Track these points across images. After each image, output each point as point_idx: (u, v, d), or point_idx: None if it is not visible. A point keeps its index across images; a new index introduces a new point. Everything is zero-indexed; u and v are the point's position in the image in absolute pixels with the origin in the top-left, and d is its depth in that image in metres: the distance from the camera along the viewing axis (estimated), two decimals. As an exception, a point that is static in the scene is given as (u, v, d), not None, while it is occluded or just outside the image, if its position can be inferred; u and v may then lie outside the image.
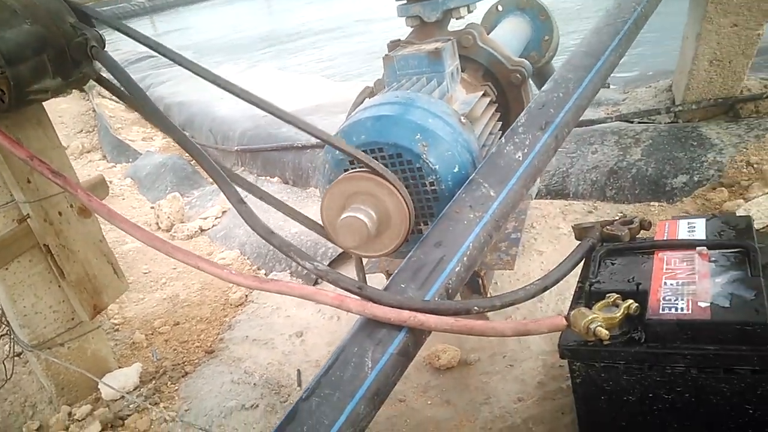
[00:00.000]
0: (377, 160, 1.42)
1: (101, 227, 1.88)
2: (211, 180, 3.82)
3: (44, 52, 1.41)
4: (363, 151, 1.43)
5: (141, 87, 1.41)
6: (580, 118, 2.94)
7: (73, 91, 8.60)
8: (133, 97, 1.42)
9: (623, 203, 2.45)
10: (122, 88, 1.47)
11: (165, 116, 1.41)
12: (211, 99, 5.27)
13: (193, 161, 4.22)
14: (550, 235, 2.31)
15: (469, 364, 1.75)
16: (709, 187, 2.33)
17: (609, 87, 3.77)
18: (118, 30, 1.48)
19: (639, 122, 2.87)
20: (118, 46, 10.00)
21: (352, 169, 1.46)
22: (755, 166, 2.30)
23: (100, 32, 1.50)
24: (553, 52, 2.62)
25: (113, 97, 6.70)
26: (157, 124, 1.42)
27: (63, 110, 7.21)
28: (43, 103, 1.66)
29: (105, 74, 1.53)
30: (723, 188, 2.29)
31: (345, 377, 1.07)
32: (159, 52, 1.42)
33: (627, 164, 2.54)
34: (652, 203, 2.38)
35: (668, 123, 2.79)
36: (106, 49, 1.48)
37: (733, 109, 2.66)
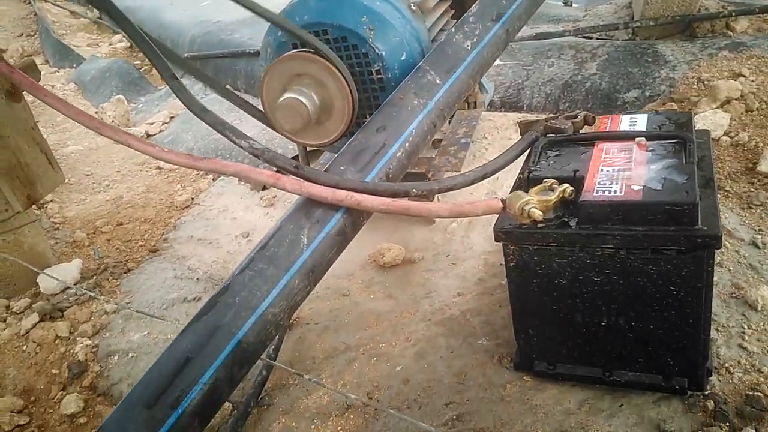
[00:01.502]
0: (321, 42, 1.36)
1: (33, 116, 1.78)
2: (159, 87, 3.67)
3: None
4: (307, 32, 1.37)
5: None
6: (539, 31, 2.91)
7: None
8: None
9: (575, 116, 2.45)
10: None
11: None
12: (160, 4, 4.99)
13: (143, 67, 4.04)
14: (502, 146, 2.31)
15: (412, 263, 1.77)
16: (660, 102, 2.35)
17: (571, 5, 3.71)
18: None
19: (597, 38, 2.84)
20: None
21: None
22: (706, 82, 2.32)
23: None
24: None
25: (56, 2, 6.25)
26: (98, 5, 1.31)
27: (2, 12, 6.73)
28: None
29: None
30: (673, 103, 2.31)
31: (280, 253, 1.06)
32: None
33: (582, 78, 2.53)
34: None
35: (626, 40, 2.77)
36: None
37: (689, 27, 2.65)
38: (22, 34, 6.08)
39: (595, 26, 2.83)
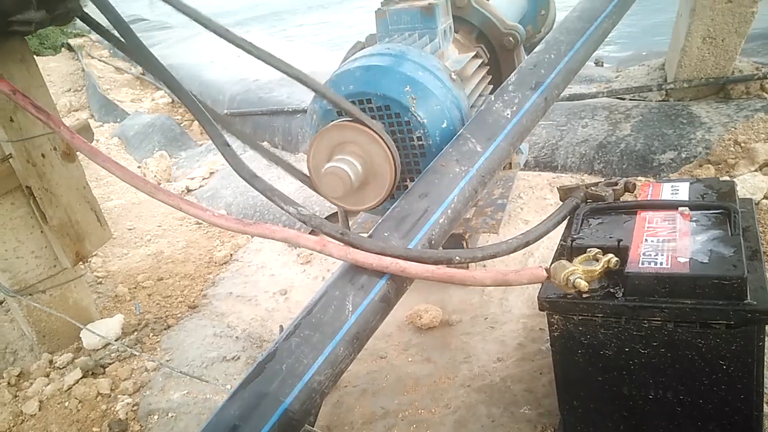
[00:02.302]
0: (365, 112, 1.41)
1: (85, 174, 1.86)
2: (200, 142, 3.79)
3: (28, -18, 1.37)
4: (351, 102, 1.42)
5: (128, 24, 1.38)
6: (572, 93, 2.95)
7: (62, 49, 8.48)
8: (120, 35, 1.39)
9: (611, 177, 2.46)
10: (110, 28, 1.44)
11: (152, 54, 1.39)
12: (201, 63, 5.21)
13: (183, 122, 4.19)
14: (537, 206, 2.32)
15: (450, 325, 1.76)
16: (696, 163, 2.34)
17: (602, 65, 3.77)
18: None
19: (630, 99, 2.87)
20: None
21: (339, 119, 1.44)
22: (743, 145, 2.32)
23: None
24: (548, 27, 2.59)
25: (102, 59, 6.56)
26: (145, 65, 1.39)
27: (51, 69, 7.10)
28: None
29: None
30: (710, 165, 2.30)
31: (325, 319, 1.07)
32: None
33: (616, 139, 2.55)
34: (639, 178, 2.39)
35: (659, 101, 2.79)
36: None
37: (724, 89, 2.66)
38: (70, 89, 6.38)
39: (628, 88, 2.86)
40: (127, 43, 1.38)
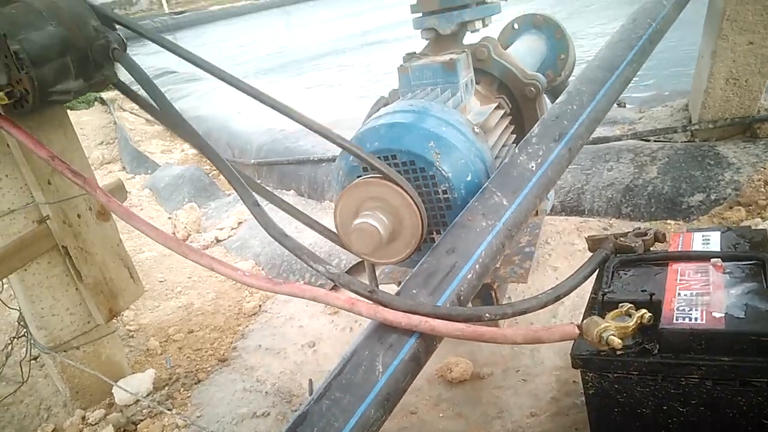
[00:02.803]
0: (391, 168, 1.44)
1: (118, 232, 1.91)
2: (228, 192, 3.87)
3: (67, 54, 1.44)
4: (377, 158, 1.45)
5: (161, 90, 1.43)
6: (596, 135, 2.95)
7: (95, 103, 8.79)
8: (153, 99, 1.45)
9: (639, 221, 2.44)
10: (142, 92, 1.50)
11: (184, 119, 1.43)
12: (229, 114, 5.35)
13: (211, 173, 4.28)
14: (565, 251, 2.30)
15: (481, 378, 1.74)
16: (726, 206, 2.31)
17: (625, 106, 3.77)
18: (141, 34, 1.52)
19: (655, 140, 2.86)
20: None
21: (365, 175, 1.47)
22: (773, 185, 2.28)
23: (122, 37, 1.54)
24: (569, 71, 2.62)
25: (134, 111, 6.79)
26: (176, 128, 1.44)
27: (84, 122, 7.35)
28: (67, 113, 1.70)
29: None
30: (740, 207, 2.27)
31: (356, 380, 1.07)
32: (184, 58, 1.45)
33: (643, 182, 2.53)
34: (668, 221, 2.37)
35: (684, 142, 2.78)
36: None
37: (750, 128, 2.64)
38: (102, 142, 6.59)
39: (653, 130, 2.85)
40: (159, 108, 1.43)
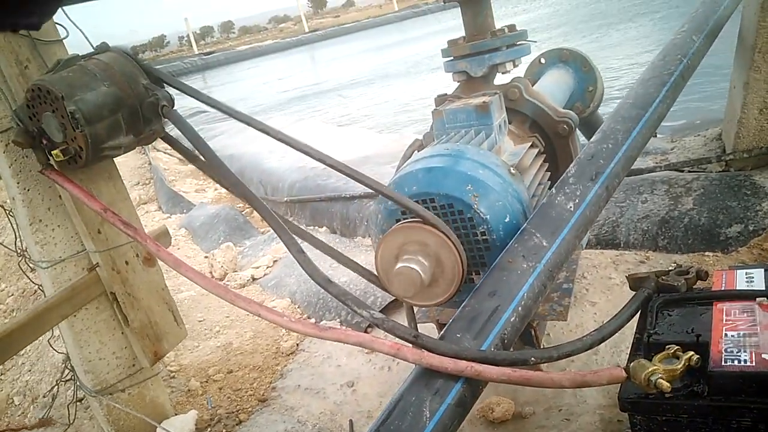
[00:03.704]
0: (429, 211, 1.46)
1: (164, 277, 1.97)
2: (262, 230, 3.93)
3: (119, 112, 1.51)
4: (415, 202, 1.48)
5: (206, 142, 1.49)
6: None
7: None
8: (199, 152, 1.50)
9: (676, 253, 2.41)
10: (188, 144, 1.56)
11: (229, 169, 1.49)
12: (261, 152, 5.47)
13: (244, 211, 4.37)
14: (602, 286, 2.29)
15: (524, 418, 1.73)
16: (765, 236, 2.28)
17: (656, 136, 3.76)
18: (184, 92, 1.59)
19: (689, 171, 2.84)
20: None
21: (404, 219, 1.50)
22: (814, 214, 2.25)
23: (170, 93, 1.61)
24: (597, 102, 2.64)
25: (167, 151, 6.95)
26: (222, 179, 1.50)
27: (120, 163, 7.41)
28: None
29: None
30: (781, 238, 2.23)
31: (403, 427, 1.08)
32: (222, 111, 1.51)
33: (679, 213, 2.51)
34: (706, 253, 2.34)
35: (719, 172, 2.75)
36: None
37: (786, 156, 2.62)
38: (138, 183, 6.77)
39: (686, 161, 2.84)
40: (207, 160, 1.49)
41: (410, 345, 1.19)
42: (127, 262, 1.81)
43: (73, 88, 1.42)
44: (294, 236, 1.41)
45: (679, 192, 2.63)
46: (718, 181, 2.61)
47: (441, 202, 1.49)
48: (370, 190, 1.54)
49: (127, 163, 7.77)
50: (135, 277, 1.83)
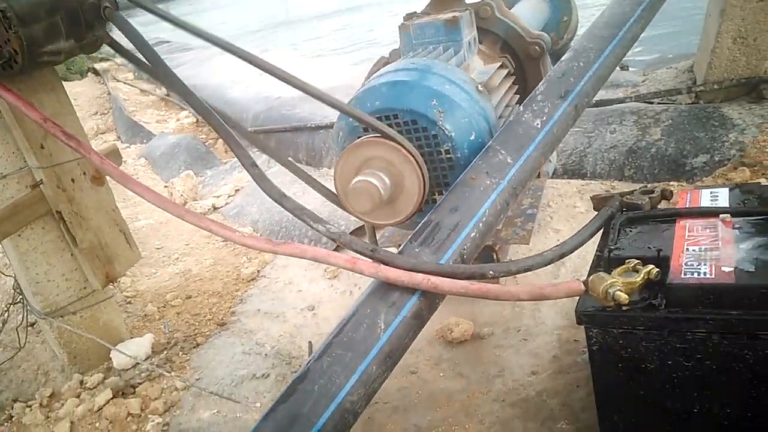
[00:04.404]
0: (392, 127, 1.40)
1: (114, 197, 1.88)
2: (225, 160, 3.82)
3: (57, 13, 1.39)
4: (378, 117, 1.41)
5: (154, 49, 1.39)
6: (598, 98, 2.90)
7: (89, 74, 8.66)
8: (146, 59, 1.40)
9: (642, 183, 2.41)
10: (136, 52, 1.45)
11: (178, 78, 1.39)
12: (224, 82, 5.27)
13: (207, 141, 4.23)
14: (567, 214, 2.28)
15: (482, 338, 1.73)
16: (731, 166, 2.28)
17: (628, 69, 3.71)
18: (132, 1, 1.46)
19: (659, 103, 2.81)
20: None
21: (365, 136, 1.43)
22: (778, 146, 2.25)
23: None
24: (571, 34, 2.56)
25: (127, 81, 6.69)
26: (171, 87, 1.40)
27: (78, 93, 7.24)
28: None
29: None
30: (745, 168, 2.24)
31: (357, 338, 1.06)
32: (182, 27, 1.40)
33: (646, 144, 2.50)
34: (671, 182, 2.34)
35: (689, 104, 2.73)
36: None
37: (756, 89, 2.59)
38: (97, 113, 6.51)
39: (656, 92, 2.81)
40: (153, 66, 1.39)
41: (367, 259, 1.15)
42: (73, 180, 1.72)
43: (2, -17, 1.29)
44: (248, 151, 1.33)
45: (648, 123, 2.61)
46: (687, 112, 2.59)
47: (405, 118, 1.43)
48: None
49: (85, 93, 7.46)
50: (82, 195, 1.74)
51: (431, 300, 1.13)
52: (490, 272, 1.12)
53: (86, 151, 1.45)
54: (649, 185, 1.38)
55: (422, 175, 1.36)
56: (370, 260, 1.14)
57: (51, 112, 1.62)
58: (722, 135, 2.38)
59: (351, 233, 2.39)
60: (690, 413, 1.12)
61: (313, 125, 3.62)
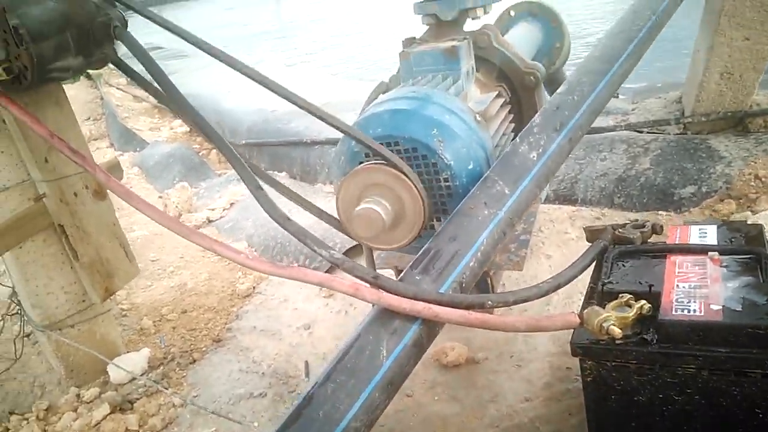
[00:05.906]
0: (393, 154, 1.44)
1: (115, 212, 1.90)
2: (219, 172, 3.84)
3: (67, 30, 1.42)
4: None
5: (163, 69, 1.42)
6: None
7: (82, 77, 8.63)
8: (154, 79, 1.43)
9: (631, 211, 2.47)
10: (144, 72, 1.48)
11: (186, 100, 1.43)
12: (218, 92, 5.30)
13: (201, 152, 4.25)
14: (558, 240, 2.33)
15: (476, 363, 1.76)
16: (717, 198, 2.35)
17: (618, 97, 3.79)
18: (140, 13, 1.49)
19: (648, 132, 2.88)
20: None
21: (367, 161, 1.47)
22: (763, 179, 2.32)
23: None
24: (563, 60, 2.63)
25: (120, 87, 6.64)
26: (179, 109, 1.43)
27: (70, 97, 7.07)
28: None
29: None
30: (731, 200, 2.31)
31: (360, 365, 1.09)
32: (182, 37, 1.43)
33: (636, 173, 2.56)
34: (660, 212, 2.40)
35: (677, 134, 2.80)
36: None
37: (742, 122, 2.68)
38: (89, 118, 6.49)
39: (646, 121, 2.88)
40: (161, 87, 1.42)
41: (369, 285, 1.19)
42: (75, 194, 1.74)
43: (16, 1, 1.32)
44: (252, 172, 1.36)
45: (637, 152, 2.67)
46: (675, 143, 2.67)
47: (405, 145, 1.47)
48: (333, 137, 1.50)
49: (77, 97, 7.41)
50: (84, 210, 1.76)
51: (431, 328, 1.16)
52: (489, 302, 1.16)
53: (91, 166, 1.47)
54: (640, 219, 1.43)
55: (423, 202, 1.40)
56: (372, 286, 1.18)
57: (55, 126, 1.64)
58: (709, 167, 2.45)
59: (345, 252, 2.44)
60: (678, 445, 1.16)
61: (308, 141, 3.65)
